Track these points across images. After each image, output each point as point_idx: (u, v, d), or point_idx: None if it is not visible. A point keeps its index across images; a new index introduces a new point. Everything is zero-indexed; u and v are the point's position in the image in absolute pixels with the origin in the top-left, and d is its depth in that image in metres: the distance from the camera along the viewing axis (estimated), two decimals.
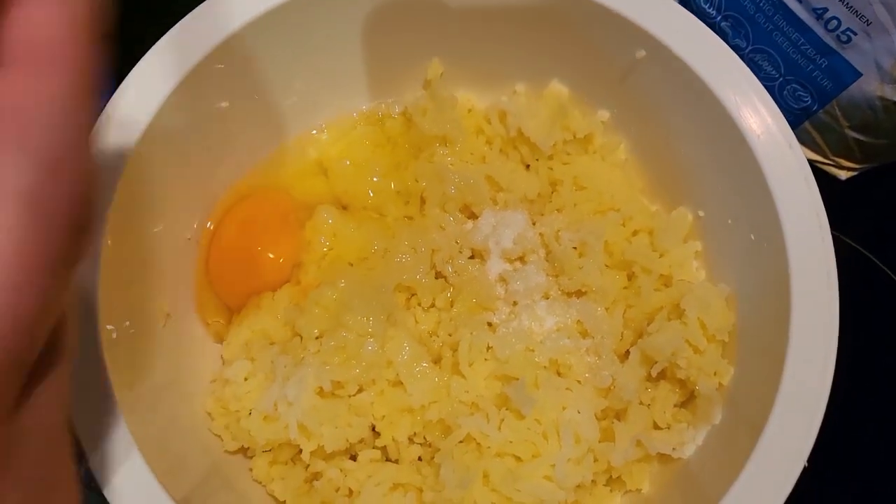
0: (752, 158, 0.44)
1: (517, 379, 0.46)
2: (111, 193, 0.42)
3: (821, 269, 0.43)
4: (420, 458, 0.47)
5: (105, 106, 0.43)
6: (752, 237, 0.46)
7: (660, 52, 0.46)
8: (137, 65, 0.44)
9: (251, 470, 0.48)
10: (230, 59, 0.46)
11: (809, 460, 0.41)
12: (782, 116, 0.44)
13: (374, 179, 0.53)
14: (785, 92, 0.59)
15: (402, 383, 0.46)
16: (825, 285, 0.42)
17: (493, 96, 0.54)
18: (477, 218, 0.52)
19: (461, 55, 0.52)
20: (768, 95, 0.44)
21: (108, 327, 0.41)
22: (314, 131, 0.55)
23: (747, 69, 0.45)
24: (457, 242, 0.51)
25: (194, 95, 0.45)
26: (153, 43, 0.45)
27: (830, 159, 0.62)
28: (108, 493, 0.39)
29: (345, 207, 0.53)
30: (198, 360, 0.50)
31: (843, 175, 0.62)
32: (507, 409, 0.46)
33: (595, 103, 0.52)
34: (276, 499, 0.48)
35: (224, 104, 0.48)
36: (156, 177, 0.46)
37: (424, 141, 0.53)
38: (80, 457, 0.40)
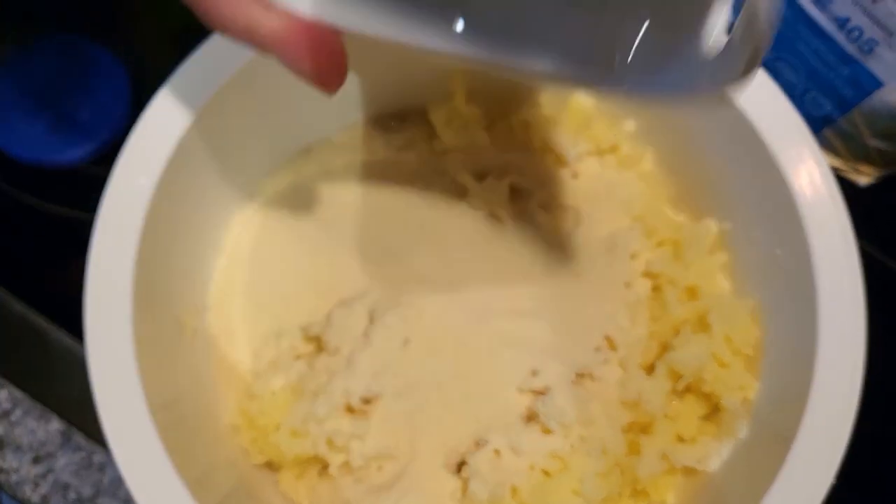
0: (777, 172, 0.44)
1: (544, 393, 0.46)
2: (144, 208, 0.43)
3: (847, 284, 0.43)
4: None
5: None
6: (779, 252, 0.46)
7: None
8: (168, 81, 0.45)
9: (277, 483, 0.49)
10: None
11: (837, 476, 0.41)
12: (809, 131, 0.44)
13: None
14: (806, 100, 0.59)
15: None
16: (851, 300, 0.43)
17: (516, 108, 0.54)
18: None
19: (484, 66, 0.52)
20: (793, 107, 0.44)
21: (140, 338, 0.42)
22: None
23: (772, 81, 0.45)
24: None
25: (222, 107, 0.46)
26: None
27: (850, 166, 0.62)
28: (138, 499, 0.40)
29: None
30: (224, 374, 0.50)
31: (864, 181, 0.62)
32: (534, 424, 0.46)
33: (620, 114, 0.52)
34: None
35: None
36: (193, 173, 0.46)
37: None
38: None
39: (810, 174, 0.44)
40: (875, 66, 0.54)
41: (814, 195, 0.44)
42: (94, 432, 0.57)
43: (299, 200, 0.53)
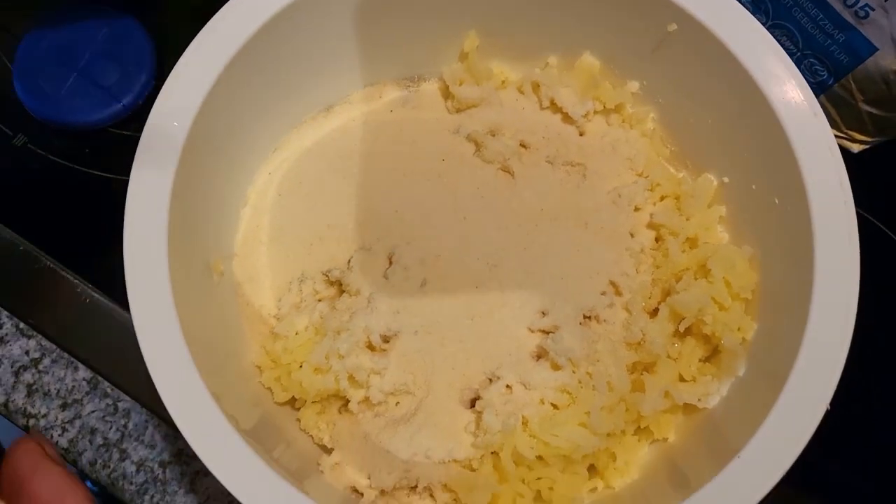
0: (777, 126, 0.46)
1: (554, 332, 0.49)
2: (175, 158, 0.45)
3: (842, 230, 0.45)
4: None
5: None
6: (777, 201, 0.48)
7: (690, 26, 0.48)
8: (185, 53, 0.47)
9: (299, 420, 0.51)
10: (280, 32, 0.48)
11: (832, 403, 0.43)
12: (808, 86, 0.47)
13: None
14: (802, 66, 0.61)
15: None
16: (847, 245, 0.45)
17: (527, 69, 0.57)
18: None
19: (496, 29, 0.55)
20: (794, 66, 0.47)
21: (175, 281, 0.44)
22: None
23: (775, 42, 0.47)
24: None
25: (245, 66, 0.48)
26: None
27: (844, 132, 0.64)
28: (181, 426, 0.42)
29: None
30: (249, 317, 0.52)
31: (856, 148, 0.65)
32: (545, 360, 0.49)
33: (625, 75, 0.55)
34: (324, 447, 0.50)
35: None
36: (220, 127, 0.49)
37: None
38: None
39: (809, 129, 0.46)
40: (870, 31, 0.56)
41: (812, 148, 0.46)
42: (119, 381, 0.59)
43: (320, 154, 0.55)
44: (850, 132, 0.64)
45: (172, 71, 0.47)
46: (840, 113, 0.63)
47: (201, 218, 0.50)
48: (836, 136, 0.64)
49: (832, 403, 0.44)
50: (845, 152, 0.65)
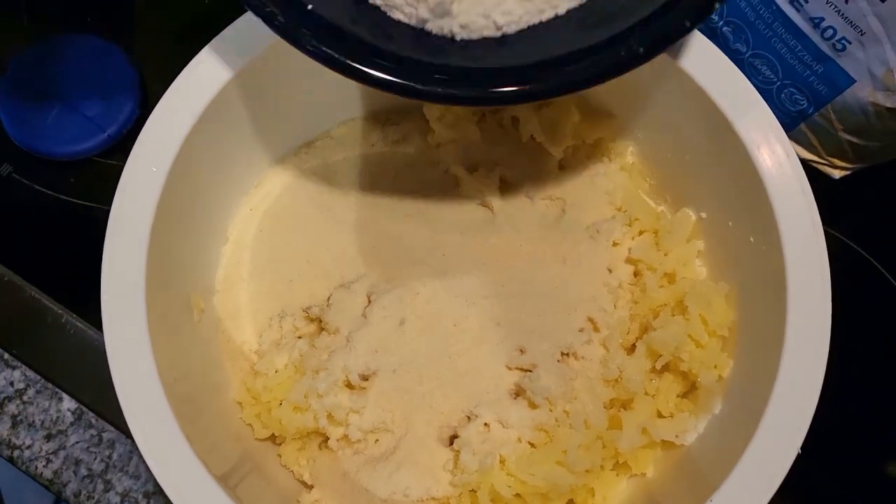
0: (752, 166, 0.47)
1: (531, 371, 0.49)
2: (156, 194, 0.46)
3: (815, 270, 0.45)
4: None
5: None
6: (752, 239, 0.49)
7: (669, 67, 0.48)
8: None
9: (280, 456, 0.51)
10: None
11: (802, 447, 0.44)
12: (781, 128, 0.47)
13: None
14: (783, 95, 0.62)
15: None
16: (819, 285, 0.45)
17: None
18: None
19: None
20: (769, 109, 0.47)
21: (153, 318, 0.44)
22: None
23: (750, 85, 0.47)
24: None
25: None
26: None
27: (825, 159, 0.65)
28: (153, 467, 0.42)
29: None
30: (230, 353, 0.53)
31: (837, 174, 0.65)
32: (522, 398, 0.49)
33: (604, 111, 0.55)
34: (304, 483, 0.51)
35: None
36: (201, 164, 0.49)
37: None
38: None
39: (781, 167, 0.46)
40: (848, 63, 0.57)
41: (784, 187, 0.46)
42: (104, 411, 0.60)
43: (301, 191, 0.56)
44: (831, 159, 0.65)
45: (156, 107, 0.47)
46: (821, 140, 0.63)
47: (181, 254, 0.50)
48: (817, 163, 0.65)
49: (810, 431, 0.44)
50: (826, 178, 0.65)
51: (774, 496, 0.43)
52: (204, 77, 0.47)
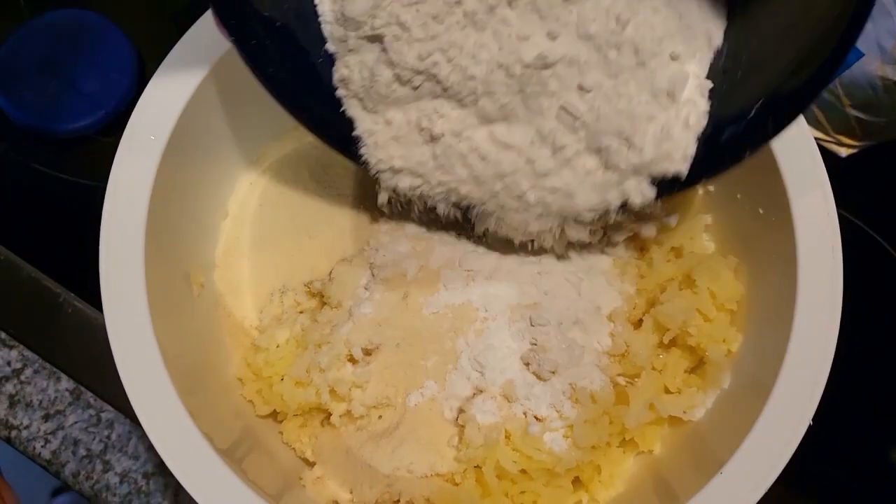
0: None
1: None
2: (153, 169, 0.45)
3: (826, 242, 0.45)
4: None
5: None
6: (761, 211, 0.48)
7: None
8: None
9: (281, 433, 0.51)
10: None
11: (814, 418, 0.43)
12: None
13: None
14: None
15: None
16: (830, 258, 0.45)
17: None
18: None
19: None
20: None
21: (152, 293, 0.44)
22: None
23: None
24: None
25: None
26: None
27: (832, 137, 0.64)
28: (154, 441, 0.42)
29: None
30: (230, 329, 0.52)
31: (844, 152, 0.64)
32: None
33: None
34: (306, 460, 0.50)
35: None
36: (199, 138, 0.48)
37: None
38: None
39: (792, 139, 0.46)
40: None
41: (795, 158, 0.46)
42: (102, 391, 0.59)
43: (302, 164, 0.55)
44: (838, 136, 0.64)
45: (151, 81, 0.46)
46: (828, 117, 0.63)
47: (180, 229, 0.50)
48: (825, 141, 0.64)
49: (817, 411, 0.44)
50: (833, 156, 0.65)
51: (778, 480, 0.43)
52: (202, 47, 0.46)
